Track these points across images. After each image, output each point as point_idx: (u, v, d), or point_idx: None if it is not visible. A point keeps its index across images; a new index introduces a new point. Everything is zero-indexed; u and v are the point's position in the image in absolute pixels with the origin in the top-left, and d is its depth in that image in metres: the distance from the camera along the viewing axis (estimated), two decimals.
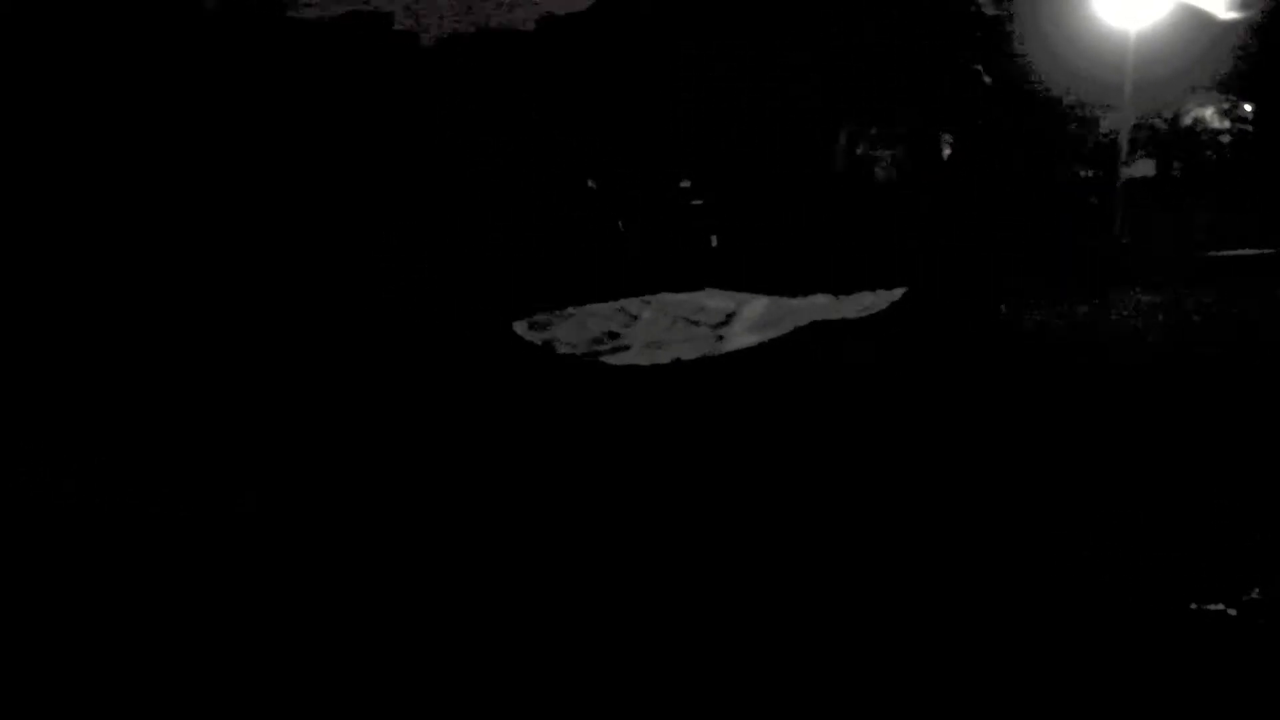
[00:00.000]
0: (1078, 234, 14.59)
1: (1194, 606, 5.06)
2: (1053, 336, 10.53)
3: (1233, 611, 4.96)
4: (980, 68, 16.12)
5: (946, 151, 16.44)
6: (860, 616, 5.03)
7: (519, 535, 5.98)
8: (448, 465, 7.12)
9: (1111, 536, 5.82)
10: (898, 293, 10.56)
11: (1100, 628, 4.88)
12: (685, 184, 16.46)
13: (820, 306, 10.81)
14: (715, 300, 11.23)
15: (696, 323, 10.69)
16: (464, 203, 14.97)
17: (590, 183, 15.72)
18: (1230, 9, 15.87)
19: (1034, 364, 9.57)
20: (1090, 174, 15.94)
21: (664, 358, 9.85)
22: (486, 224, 14.47)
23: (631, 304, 11.25)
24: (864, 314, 10.53)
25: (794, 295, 11.21)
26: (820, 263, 12.58)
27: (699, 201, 15.78)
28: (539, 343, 10.52)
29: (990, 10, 16.31)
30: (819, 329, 10.13)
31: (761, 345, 9.98)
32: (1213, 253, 14.09)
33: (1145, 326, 10.78)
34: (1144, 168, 16.07)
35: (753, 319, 10.64)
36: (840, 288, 11.34)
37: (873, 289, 10.99)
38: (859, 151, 16.65)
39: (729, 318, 10.74)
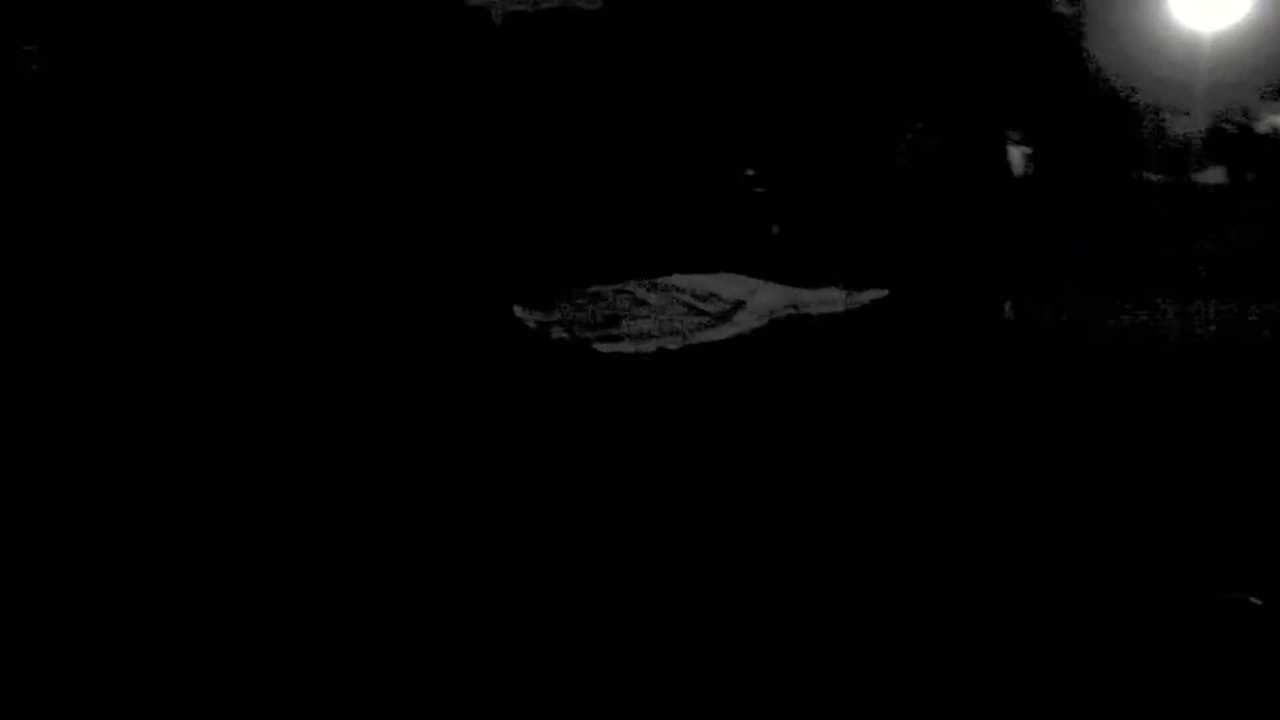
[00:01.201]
0: (1144, 240, 14.33)
1: (1221, 597, 5.04)
2: (1107, 341, 10.40)
3: (1258, 601, 4.94)
4: (1051, 67, 15.89)
5: (1013, 152, 16.24)
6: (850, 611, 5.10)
7: (510, 523, 6.02)
8: (440, 455, 7.13)
9: (1126, 536, 5.80)
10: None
11: (1117, 618, 4.89)
12: (750, 172, 16.50)
13: (830, 300, 10.59)
14: (728, 287, 10.88)
15: (702, 311, 10.33)
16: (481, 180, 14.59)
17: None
18: None
19: (1081, 368, 9.48)
20: (1158, 179, 15.63)
21: (650, 348, 9.59)
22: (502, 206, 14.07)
23: (638, 287, 10.78)
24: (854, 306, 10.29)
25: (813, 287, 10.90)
26: (876, 258, 12.45)
27: (761, 190, 15.82)
28: (534, 325, 10.15)
29: (1063, 9, 16.07)
30: (797, 321, 9.91)
31: (739, 337, 9.70)
32: None
33: (1206, 336, 10.59)
34: (1215, 175, 15.71)
35: (759, 309, 10.35)
36: (872, 281, 11.02)
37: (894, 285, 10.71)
38: (923, 149, 16.52)
39: (737, 305, 10.42)
